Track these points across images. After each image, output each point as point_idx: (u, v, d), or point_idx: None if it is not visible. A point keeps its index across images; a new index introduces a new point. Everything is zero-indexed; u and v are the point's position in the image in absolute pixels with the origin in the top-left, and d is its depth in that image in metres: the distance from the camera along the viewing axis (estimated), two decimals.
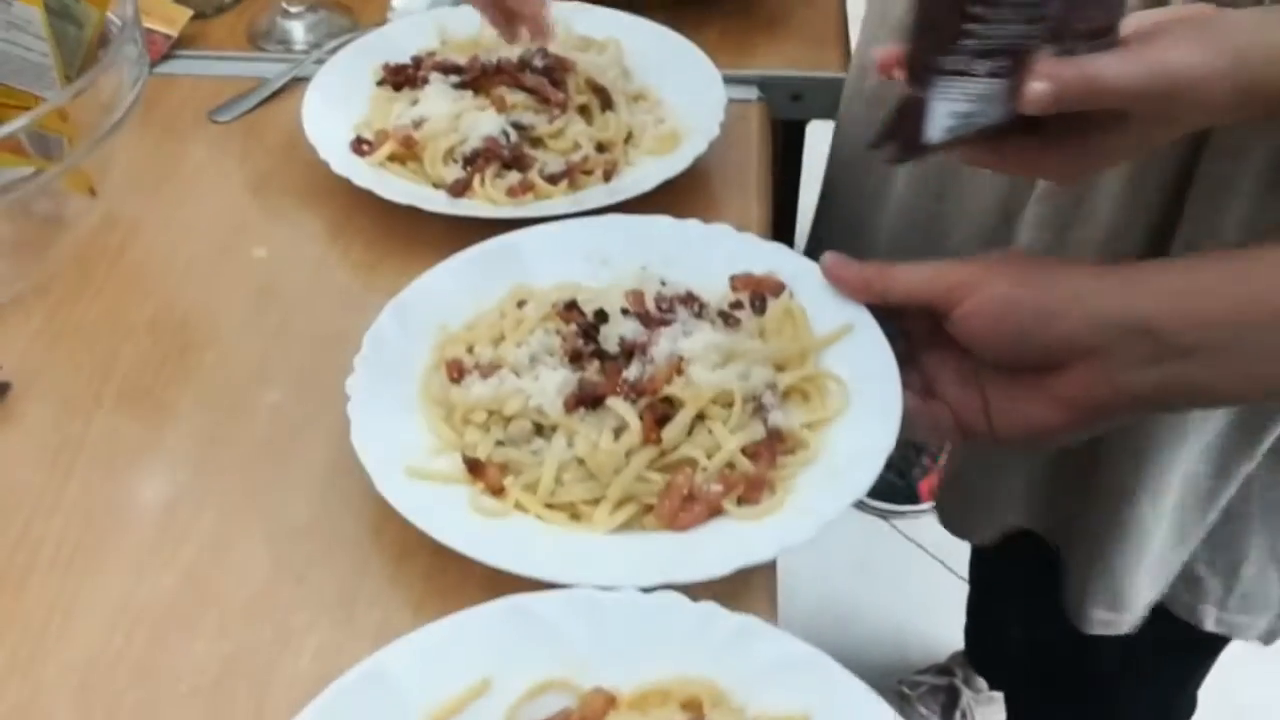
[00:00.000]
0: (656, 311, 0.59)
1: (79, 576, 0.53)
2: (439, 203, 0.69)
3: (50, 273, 0.68)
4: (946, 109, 0.50)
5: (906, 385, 0.56)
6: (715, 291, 0.62)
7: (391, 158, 0.73)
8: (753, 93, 0.83)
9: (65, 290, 0.68)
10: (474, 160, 0.71)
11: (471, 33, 0.81)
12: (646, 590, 0.48)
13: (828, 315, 0.60)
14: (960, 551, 1.26)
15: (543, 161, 0.72)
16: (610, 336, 0.57)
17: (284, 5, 0.88)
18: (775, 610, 0.52)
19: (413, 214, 0.69)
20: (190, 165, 0.77)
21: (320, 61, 0.82)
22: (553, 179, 0.71)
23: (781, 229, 1.02)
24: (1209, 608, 0.75)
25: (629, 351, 0.56)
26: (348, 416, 0.54)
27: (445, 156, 0.72)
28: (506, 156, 0.71)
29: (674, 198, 0.71)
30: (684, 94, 0.78)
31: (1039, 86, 0.48)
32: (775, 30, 0.87)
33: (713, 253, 0.64)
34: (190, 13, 0.87)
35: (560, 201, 0.70)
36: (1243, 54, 0.49)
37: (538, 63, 0.75)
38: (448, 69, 0.76)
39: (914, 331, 0.57)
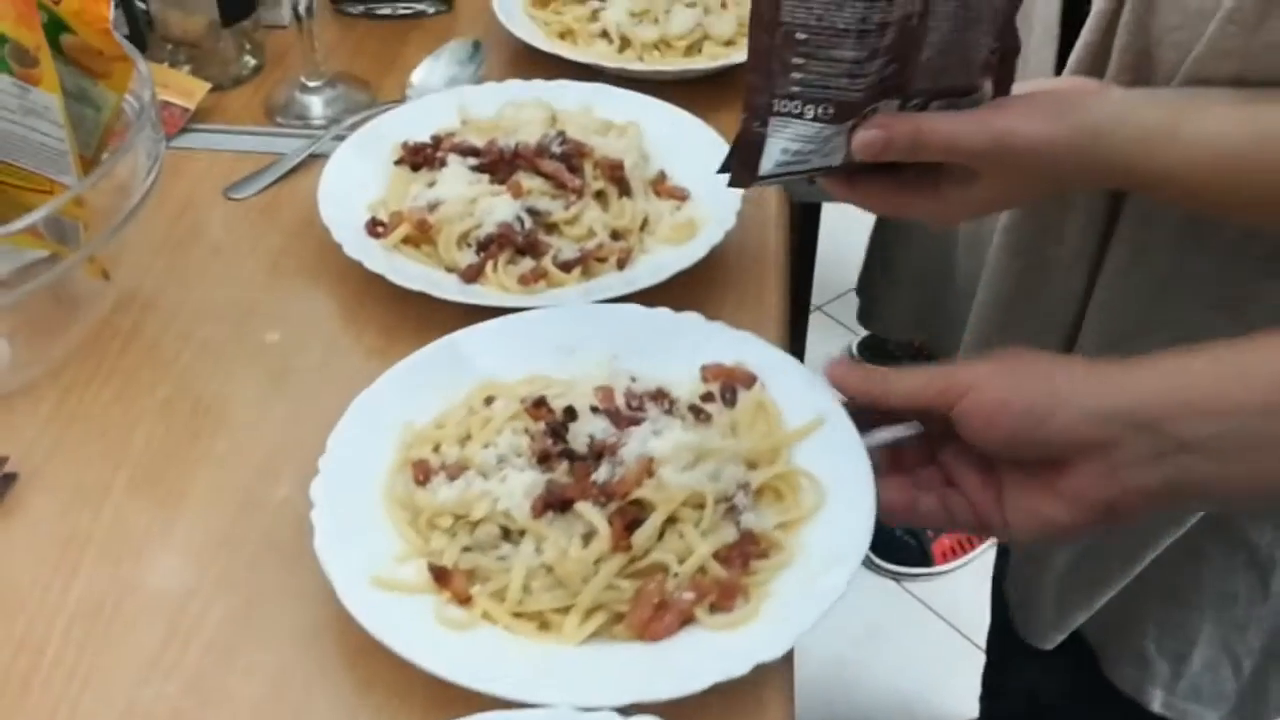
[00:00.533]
0: (626, 409, 0.59)
1: (82, 682, 0.52)
2: (450, 289, 0.69)
3: (61, 357, 0.68)
4: (779, 145, 0.54)
5: (925, 479, 0.56)
6: (685, 381, 0.62)
7: (406, 240, 0.73)
8: None
9: (75, 374, 0.67)
10: (488, 246, 0.71)
11: (491, 113, 0.81)
12: (623, 711, 0.47)
13: (799, 406, 0.61)
14: (975, 616, 1.24)
15: (557, 248, 0.72)
16: (579, 435, 0.57)
17: (302, 80, 0.88)
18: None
19: (426, 297, 0.68)
20: (205, 244, 0.77)
21: (339, 138, 0.82)
22: (566, 266, 0.71)
23: (795, 306, 1.02)
24: (1156, 690, 0.74)
25: (598, 452, 0.56)
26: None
27: (460, 241, 0.72)
28: (520, 243, 0.71)
29: (690, 285, 0.70)
30: (702, 179, 0.78)
31: (868, 134, 0.53)
32: None
33: (682, 342, 0.64)
34: (208, 86, 0.87)
35: (572, 290, 0.70)
36: (1097, 130, 0.53)
37: (556, 148, 0.75)
38: (466, 151, 0.76)
39: (931, 424, 0.57)
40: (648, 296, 0.68)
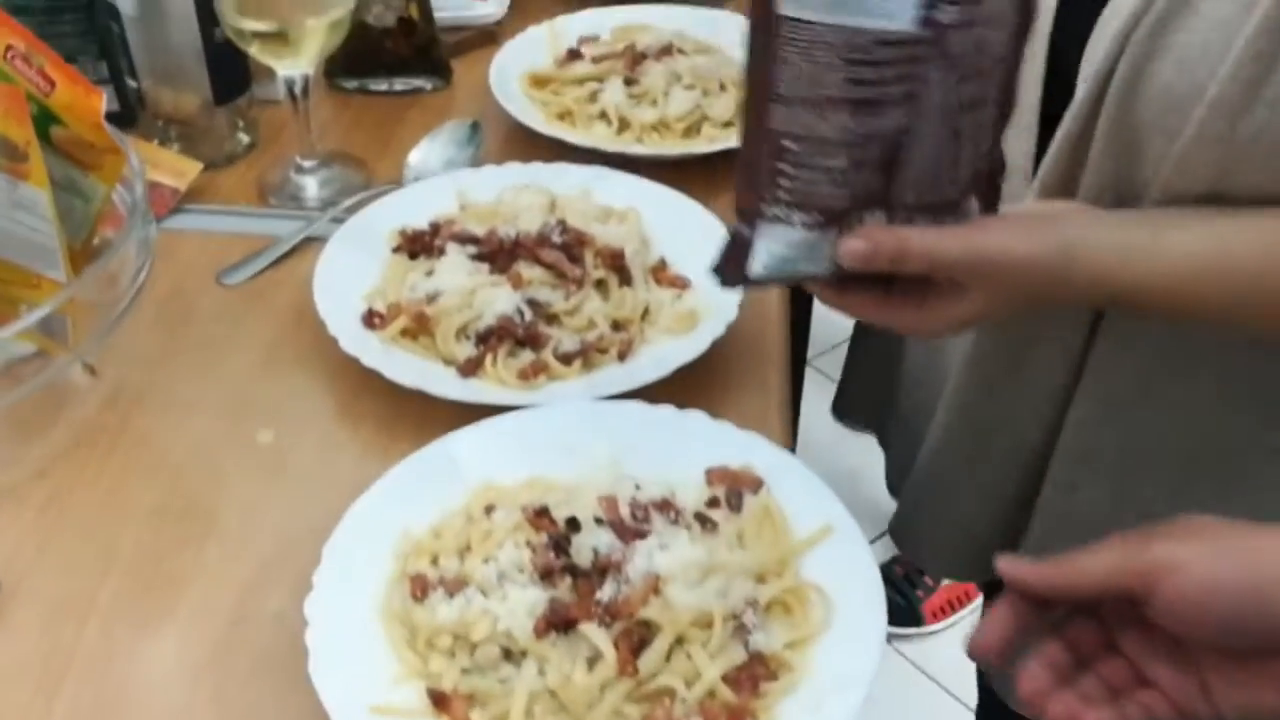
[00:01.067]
0: (631, 520, 0.58)
1: None
2: (448, 386, 0.67)
3: (47, 456, 0.66)
4: (767, 249, 0.55)
5: (1108, 674, 0.50)
6: (690, 483, 0.61)
7: (404, 331, 0.71)
8: None
9: (62, 475, 0.65)
10: (487, 338, 0.70)
11: (490, 198, 0.80)
12: None
13: (806, 511, 0.60)
14: (966, 677, 1.22)
15: (558, 339, 0.71)
16: (583, 548, 0.56)
17: (297, 160, 0.87)
18: None
19: (424, 392, 0.67)
20: (196, 333, 0.75)
21: (336, 220, 0.80)
22: (567, 358, 0.70)
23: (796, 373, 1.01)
24: None
25: (603, 568, 0.55)
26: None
27: (459, 333, 0.70)
28: (520, 335, 0.70)
29: (691, 376, 0.69)
30: (703, 267, 0.76)
31: (854, 244, 0.54)
32: None
33: (687, 442, 0.63)
34: (200, 166, 0.86)
35: (574, 384, 0.69)
36: (1074, 246, 0.55)
37: (556, 237, 0.74)
38: (465, 240, 0.75)
39: (1109, 614, 0.51)
40: (650, 388, 0.67)
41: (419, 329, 0.71)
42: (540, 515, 0.57)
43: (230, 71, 0.87)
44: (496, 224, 0.76)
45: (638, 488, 0.59)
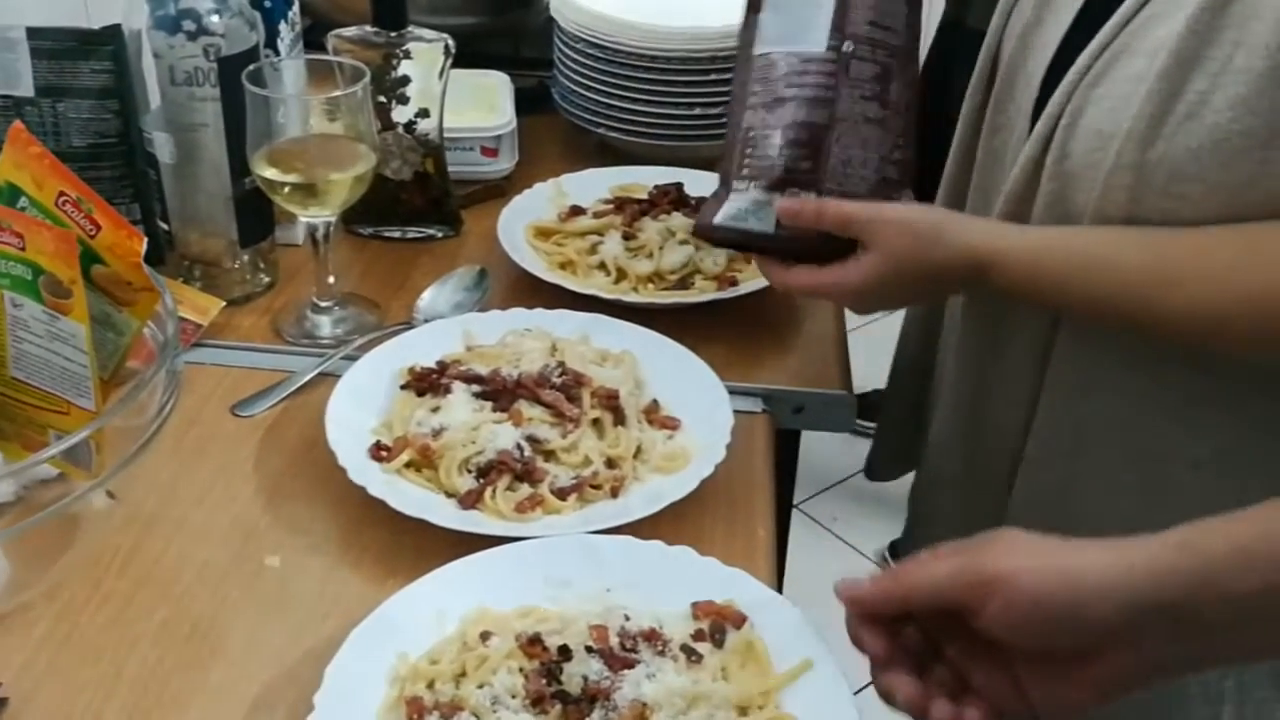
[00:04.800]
0: (620, 649, 0.61)
1: None
2: (449, 517, 0.71)
3: (61, 578, 0.68)
4: (730, 206, 0.79)
5: (937, 679, 0.56)
6: (677, 616, 0.65)
7: (409, 465, 0.75)
8: (758, 404, 0.87)
9: (73, 595, 0.68)
10: (488, 472, 0.74)
11: (495, 339, 0.85)
12: None
13: (787, 647, 0.63)
14: None
15: (554, 475, 0.74)
16: (573, 676, 0.59)
17: (314, 299, 0.92)
18: None
19: (425, 522, 0.70)
20: (210, 462, 0.79)
21: (349, 358, 0.85)
22: (562, 493, 0.73)
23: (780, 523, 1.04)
24: None
25: (592, 696, 0.58)
26: None
27: (461, 466, 0.74)
28: (519, 470, 0.74)
29: (681, 513, 0.73)
30: (694, 410, 0.81)
31: (788, 203, 0.76)
32: (780, 347, 0.91)
33: (675, 576, 0.67)
34: (222, 303, 0.91)
35: (568, 519, 0.72)
36: (948, 217, 0.75)
37: (556, 378, 0.79)
38: (470, 379, 0.79)
39: (931, 625, 0.57)
40: (640, 524, 0.71)
41: (423, 462, 0.75)
42: (533, 643, 0.60)
43: (255, 217, 0.94)
44: (500, 365, 0.81)
45: (627, 618, 0.62)
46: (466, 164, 1.10)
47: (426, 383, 0.80)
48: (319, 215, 0.88)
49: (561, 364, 0.80)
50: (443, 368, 0.82)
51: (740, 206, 0.78)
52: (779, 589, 0.73)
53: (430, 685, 0.60)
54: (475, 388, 0.79)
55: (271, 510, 0.75)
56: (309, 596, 0.69)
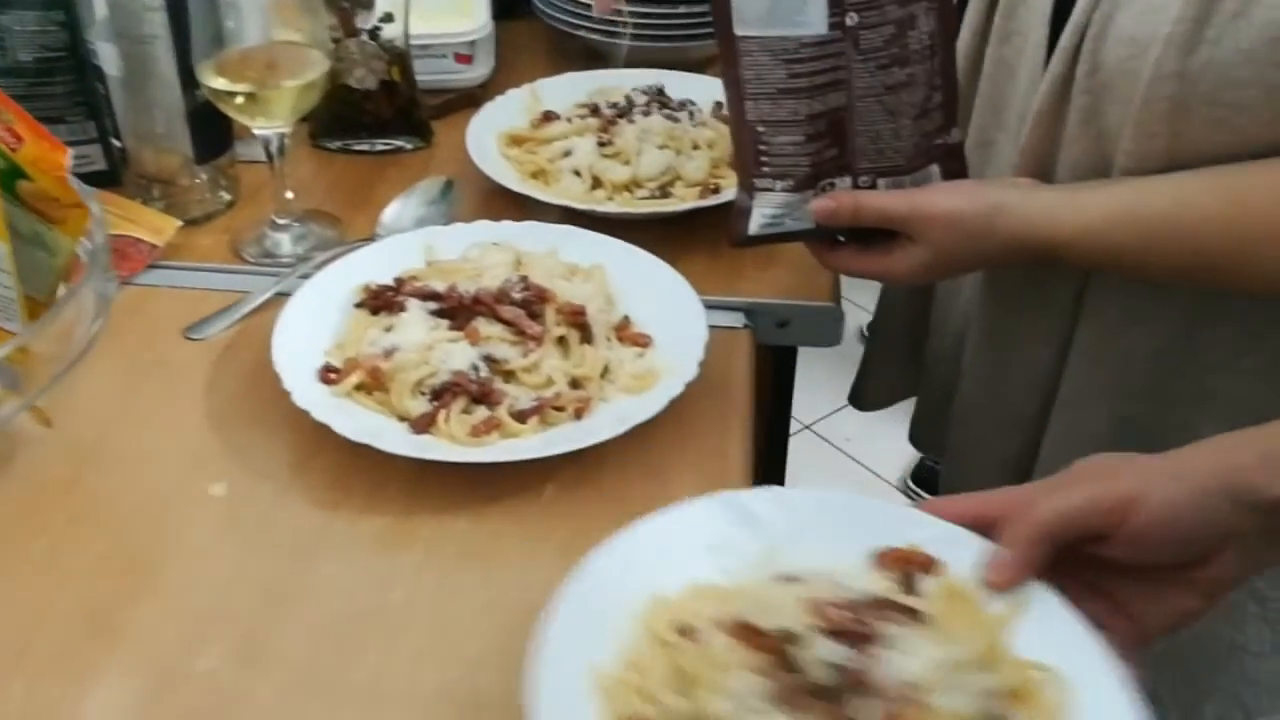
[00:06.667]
0: (852, 623, 0.50)
1: None
2: (397, 442, 0.67)
3: None
4: (760, 212, 0.72)
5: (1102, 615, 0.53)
6: (852, 571, 0.54)
7: (360, 386, 0.71)
8: (739, 319, 0.82)
9: (6, 526, 0.65)
10: (441, 394, 0.70)
11: (458, 255, 0.80)
12: None
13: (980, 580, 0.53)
14: None
15: (514, 397, 0.70)
16: (814, 663, 0.48)
17: (273, 217, 0.88)
18: None
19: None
20: (159, 388, 0.75)
21: (306, 276, 0.81)
22: (521, 416, 0.69)
23: (771, 460, 1.00)
24: None
25: (852, 684, 0.47)
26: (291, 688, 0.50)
27: (414, 389, 0.70)
28: (475, 391, 0.69)
29: (649, 430, 0.69)
30: (668, 326, 0.76)
31: (821, 203, 0.71)
32: (765, 257, 0.86)
33: (839, 526, 0.56)
34: (178, 223, 0.87)
35: (527, 443, 0.68)
36: (1001, 204, 0.67)
37: (517, 294, 0.74)
38: (426, 296, 0.75)
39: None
40: (606, 446, 0.67)
41: (375, 384, 0.71)
42: (748, 631, 0.50)
43: (211, 132, 0.89)
44: (458, 282, 0.76)
45: (802, 581, 0.52)
46: (439, 72, 1.04)
47: (381, 301, 0.76)
48: (271, 127, 0.83)
49: (525, 279, 0.75)
50: (399, 284, 0.77)
51: (771, 212, 0.72)
52: None
53: (644, 697, 0.50)
54: (431, 305, 0.74)
55: (220, 437, 0.72)
56: (253, 525, 0.66)
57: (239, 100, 0.81)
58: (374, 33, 0.95)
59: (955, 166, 0.74)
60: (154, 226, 0.87)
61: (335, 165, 0.99)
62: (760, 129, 0.70)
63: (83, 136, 0.90)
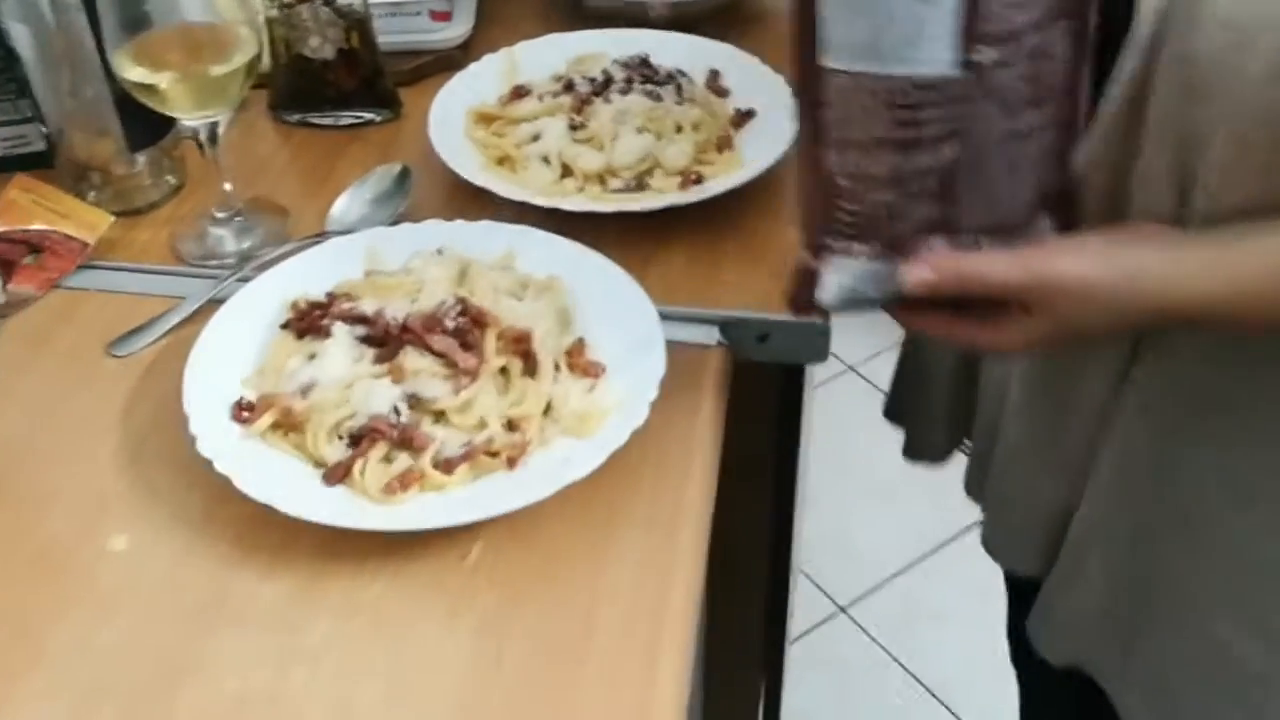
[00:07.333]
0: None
1: None
2: (302, 502, 0.60)
3: None
4: (835, 280, 0.59)
5: None
6: None
7: (276, 425, 0.65)
8: (713, 335, 0.73)
9: None
10: (360, 440, 0.63)
11: (402, 260, 0.73)
12: None
13: None
14: None
15: (441, 441, 0.63)
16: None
17: (213, 211, 0.81)
18: None
19: None
20: (72, 415, 0.70)
21: (244, 279, 0.74)
22: (448, 465, 0.62)
23: (782, 481, 0.91)
24: None
25: None
26: None
27: (330, 432, 0.63)
28: (395, 438, 0.62)
29: (595, 479, 0.61)
30: (624, 354, 0.68)
31: (916, 273, 0.57)
32: (748, 257, 0.76)
33: None
34: (111, 219, 0.80)
35: (450, 499, 0.61)
36: (1133, 275, 0.56)
37: (450, 321, 0.66)
38: (354, 320, 0.67)
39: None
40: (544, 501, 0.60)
41: (290, 425, 0.64)
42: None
43: (146, 116, 0.81)
44: (395, 298, 0.68)
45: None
46: (413, 31, 0.95)
47: (306, 323, 0.68)
48: (200, 117, 0.75)
49: (462, 300, 0.67)
50: (330, 301, 0.70)
51: (849, 280, 0.59)
52: (706, 587, 0.62)
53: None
54: (360, 330, 0.67)
55: (130, 476, 0.66)
56: (152, 586, 0.60)
57: (163, 88, 0.73)
58: None
59: (1070, 215, 0.59)
60: (86, 222, 0.80)
61: (294, 139, 0.91)
62: (843, 183, 0.56)
63: (15, 116, 0.84)
